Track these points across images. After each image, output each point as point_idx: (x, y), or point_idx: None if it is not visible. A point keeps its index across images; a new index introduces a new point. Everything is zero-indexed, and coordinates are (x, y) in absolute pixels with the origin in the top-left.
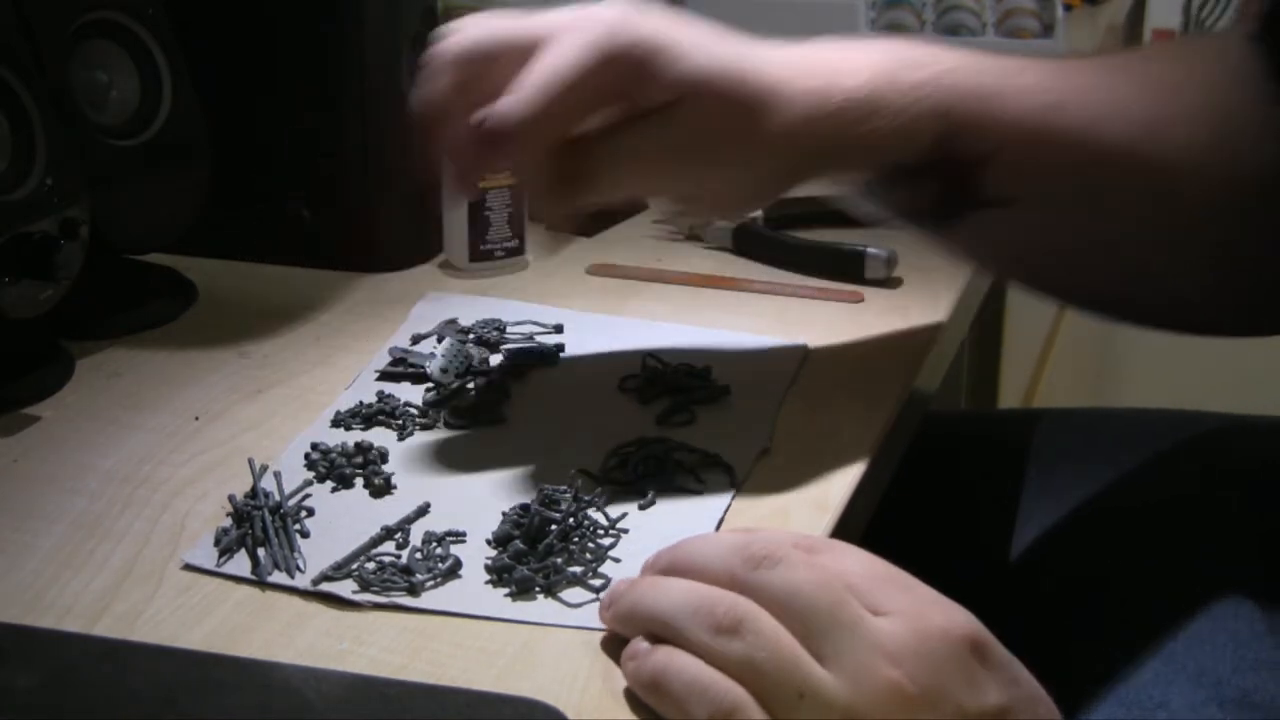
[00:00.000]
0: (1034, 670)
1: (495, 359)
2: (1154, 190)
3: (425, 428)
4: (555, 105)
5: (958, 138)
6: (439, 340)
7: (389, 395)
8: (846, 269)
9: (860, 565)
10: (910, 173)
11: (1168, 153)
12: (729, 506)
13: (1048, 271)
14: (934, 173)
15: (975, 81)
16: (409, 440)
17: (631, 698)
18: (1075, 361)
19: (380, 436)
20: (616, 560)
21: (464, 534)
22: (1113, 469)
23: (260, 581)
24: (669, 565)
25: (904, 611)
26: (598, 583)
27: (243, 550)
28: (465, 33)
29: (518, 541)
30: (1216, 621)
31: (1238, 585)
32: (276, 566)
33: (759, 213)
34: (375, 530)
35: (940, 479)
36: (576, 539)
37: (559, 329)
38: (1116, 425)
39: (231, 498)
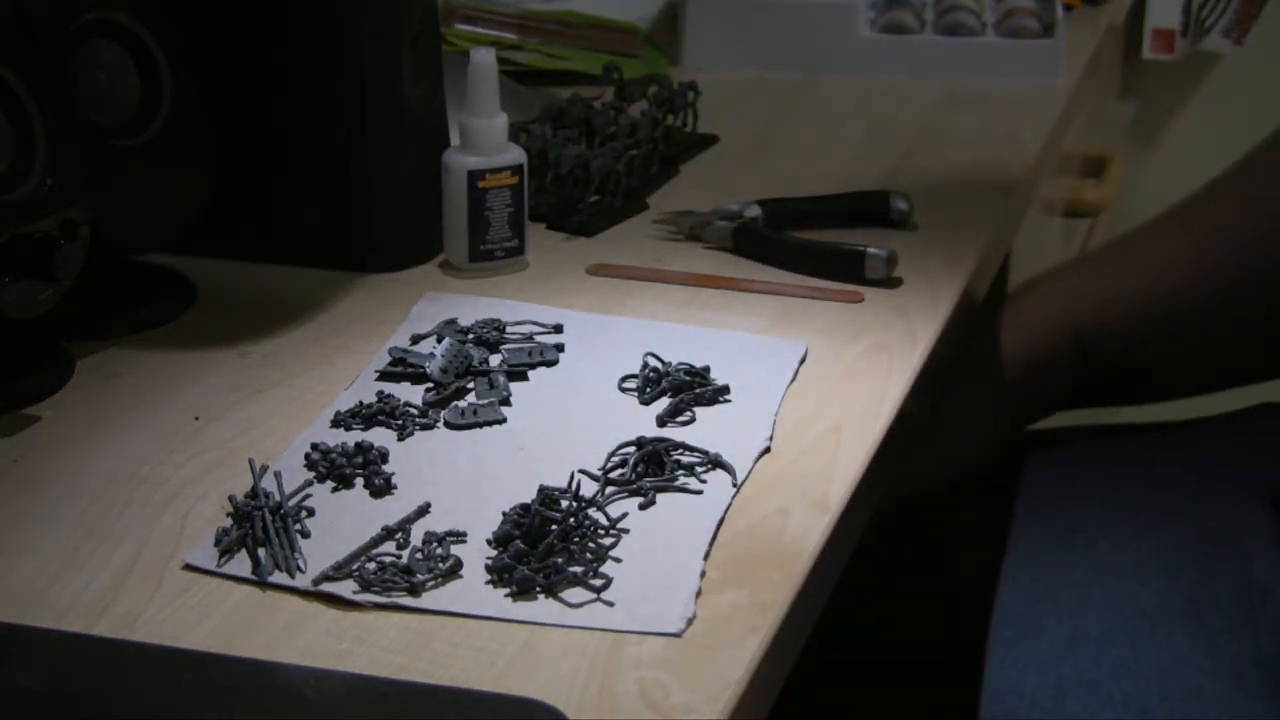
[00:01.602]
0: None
1: (495, 359)
2: None
3: (425, 428)
4: None
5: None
6: (439, 340)
7: (389, 395)
8: (846, 269)
9: None
10: None
11: None
12: (729, 506)
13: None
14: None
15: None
16: (409, 440)
17: (631, 698)
18: None
19: (380, 436)
20: (617, 560)
21: (464, 534)
22: (1088, 482)
23: (261, 581)
24: None
25: None
26: (598, 583)
27: (243, 550)
28: None
29: (518, 541)
30: (1143, 649)
31: (1166, 611)
32: (277, 566)
33: (759, 212)
34: (375, 530)
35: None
36: (577, 539)
37: (559, 329)
38: (1108, 438)
39: (232, 498)
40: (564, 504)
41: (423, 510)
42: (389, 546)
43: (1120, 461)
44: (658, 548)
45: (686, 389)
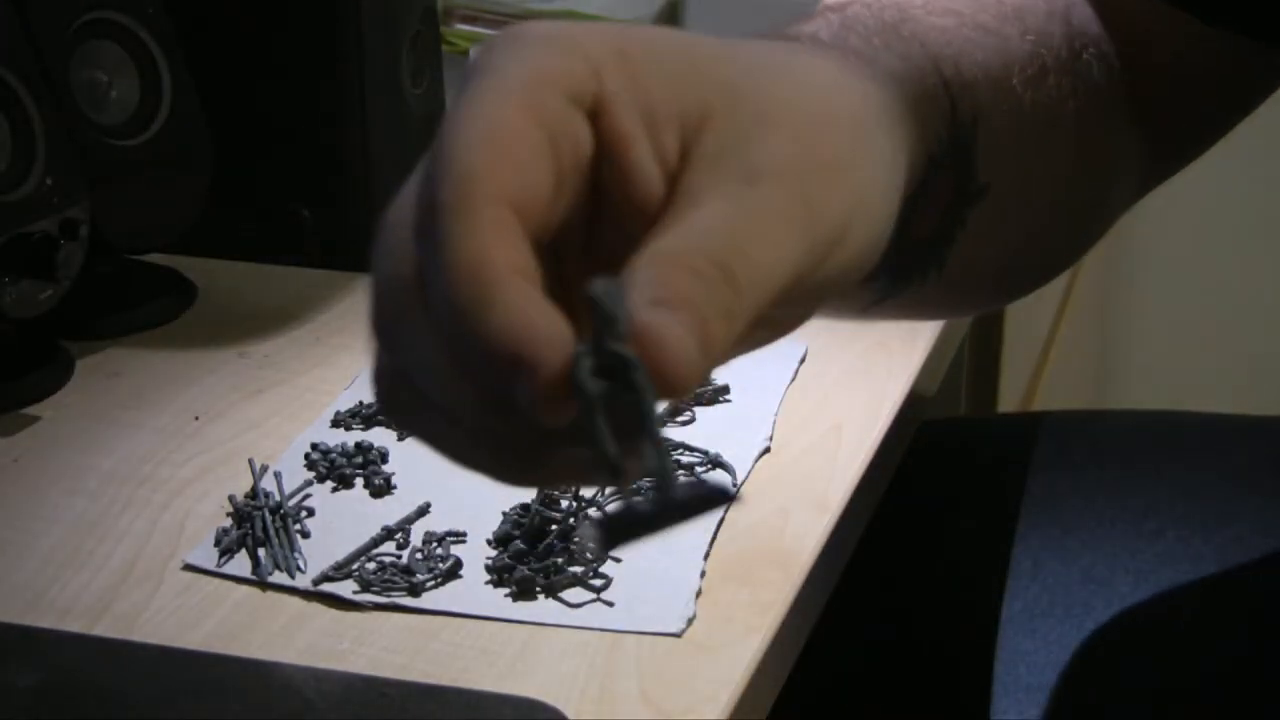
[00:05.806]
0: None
1: None
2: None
3: None
4: None
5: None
6: None
7: None
8: None
9: None
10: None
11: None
12: (729, 506)
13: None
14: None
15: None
16: (409, 440)
17: (631, 698)
18: (1077, 359)
19: (380, 436)
20: (617, 560)
21: (464, 534)
22: (1112, 476)
23: (261, 581)
24: None
25: None
26: (598, 583)
27: (243, 550)
28: None
29: (518, 541)
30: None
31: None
32: (277, 566)
33: None
34: (375, 530)
35: (941, 479)
36: (577, 539)
37: None
38: (1119, 429)
39: (232, 498)
40: (564, 504)
41: (423, 510)
42: (389, 546)
43: (1131, 461)
44: (658, 548)
45: None
